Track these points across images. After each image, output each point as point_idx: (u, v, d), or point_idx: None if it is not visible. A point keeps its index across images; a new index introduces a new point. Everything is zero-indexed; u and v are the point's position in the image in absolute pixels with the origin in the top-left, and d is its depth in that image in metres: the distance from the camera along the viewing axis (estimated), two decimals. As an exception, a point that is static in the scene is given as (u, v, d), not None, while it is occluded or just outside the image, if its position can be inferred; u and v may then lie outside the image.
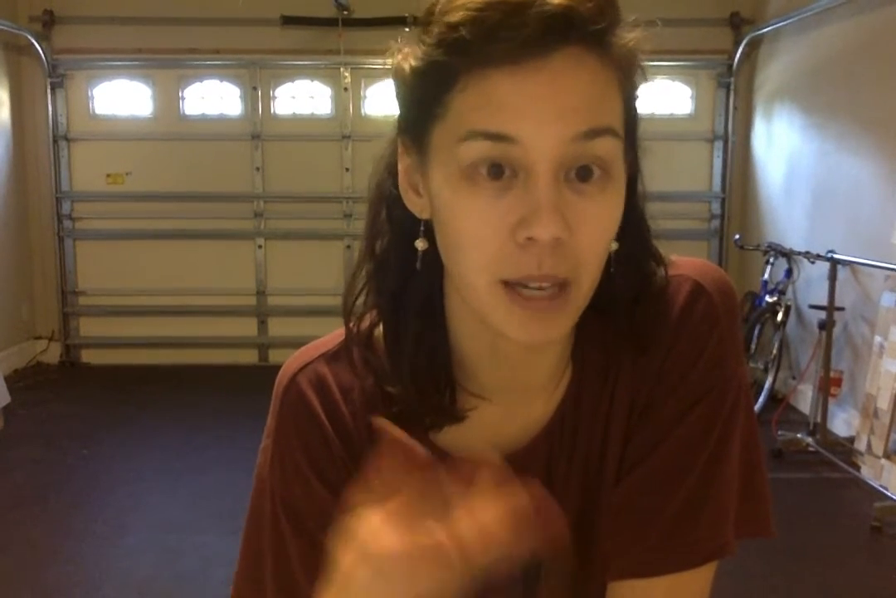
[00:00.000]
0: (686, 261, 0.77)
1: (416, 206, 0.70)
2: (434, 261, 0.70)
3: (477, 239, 0.64)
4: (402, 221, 0.72)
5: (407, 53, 0.66)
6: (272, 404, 0.78)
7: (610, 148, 0.63)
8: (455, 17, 0.61)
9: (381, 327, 0.76)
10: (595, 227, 0.64)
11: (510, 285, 0.64)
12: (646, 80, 0.68)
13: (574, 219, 0.62)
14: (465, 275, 0.66)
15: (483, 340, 0.73)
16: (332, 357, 0.77)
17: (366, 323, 0.76)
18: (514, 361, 0.74)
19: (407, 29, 0.66)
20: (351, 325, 0.76)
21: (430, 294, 0.73)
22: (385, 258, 0.74)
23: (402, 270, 0.72)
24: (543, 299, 0.64)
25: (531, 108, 0.61)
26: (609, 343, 0.75)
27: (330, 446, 0.75)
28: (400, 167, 0.71)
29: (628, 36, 0.65)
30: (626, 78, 0.66)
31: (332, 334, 0.80)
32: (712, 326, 0.73)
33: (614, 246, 0.69)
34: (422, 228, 0.70)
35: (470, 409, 0.74)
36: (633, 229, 0.72)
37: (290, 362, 0.79)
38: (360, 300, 0.76)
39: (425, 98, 0.65)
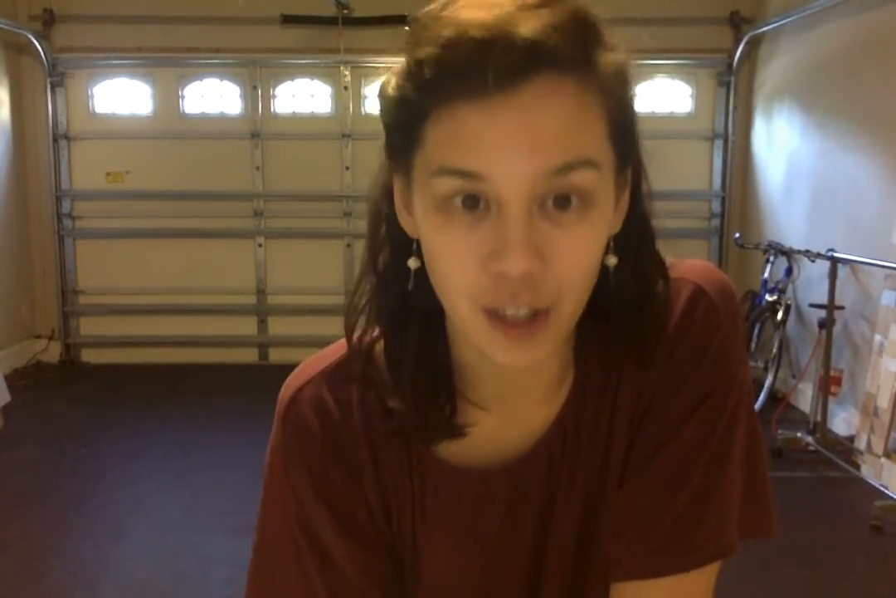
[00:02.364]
0: (686, 264, 0.77)
1: (408, 225, 0.70)
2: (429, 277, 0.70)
3: (454, 270, 0.63)
4: (397, 238, 0.72)
5: (390, 78, 0.64)
6: (275, 424, 0.78)
7: (588, 179, 0.61)
8: (421, 53, 0.60)
9: (382, 342, 0.75)
10: (573, 256, 0.62)
11: (490, 312, 0.63)
12: (635, 94, 0.66)
13: (550, 250, 0.61)
14: (448, 300, 0.66)
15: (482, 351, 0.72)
16: (331, 374, 0.77)
17: (367, 338, 0.76)
18: (514, 371, 0.73)
19: (407, 28, 0.65)
20: (353, 340, 0.75)
21: (429, 309, 0.72)
22: (384, 275, 0.73)
23: (401, 287, 0.72)
24: (522, 323, 0.63)
25: (501, 143, 0.59)
26: (611, 349, 0.75)
27: (332, 467, 0.75)
28: (395, 186, 0.70)
29: (611, 55, 0.63)
30: (612, 96, 0.63)
31: (331, 349, 0.80)
32: (714, 329, 0.73)
33: (613, 261, 0.68)
34: (414, 247, 0.69)
35: (471, 425, 0.74)
36: (635, 241, 0.71)
37: (291, 380, 0.78)
38: (363, 314, 0.75)
39: (404, 126, 0.64)
